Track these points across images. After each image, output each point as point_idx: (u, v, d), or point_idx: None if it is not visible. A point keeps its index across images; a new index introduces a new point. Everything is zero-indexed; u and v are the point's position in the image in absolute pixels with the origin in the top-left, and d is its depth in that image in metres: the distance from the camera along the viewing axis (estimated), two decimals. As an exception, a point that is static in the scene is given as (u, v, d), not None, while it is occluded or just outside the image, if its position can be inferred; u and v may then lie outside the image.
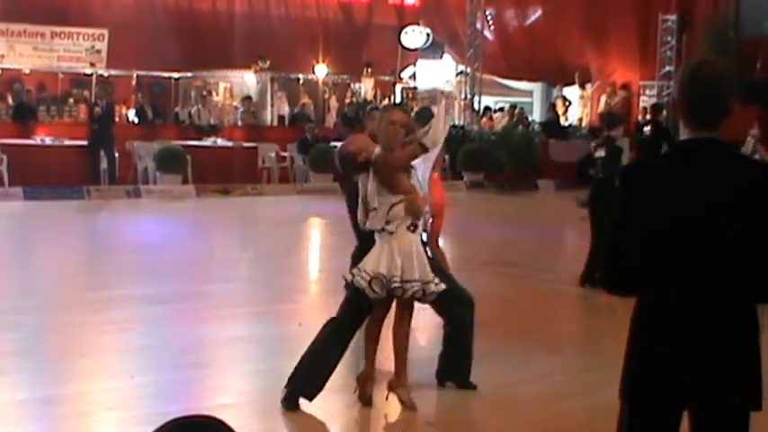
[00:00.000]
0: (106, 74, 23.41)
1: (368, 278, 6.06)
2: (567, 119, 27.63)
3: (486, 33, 28.08)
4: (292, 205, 19.38)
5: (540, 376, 7.34)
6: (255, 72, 24.75)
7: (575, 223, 12.22)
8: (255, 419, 6.25)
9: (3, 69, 22.87)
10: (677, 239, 3.24)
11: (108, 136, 19.71)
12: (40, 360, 7.51)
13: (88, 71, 23.42)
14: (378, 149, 6.14)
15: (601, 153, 10.75)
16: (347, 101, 25.81)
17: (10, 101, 21.95)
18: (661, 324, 3.27)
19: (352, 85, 26.41)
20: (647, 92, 26.79)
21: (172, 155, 19.96)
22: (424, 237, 6.46)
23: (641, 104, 26.34)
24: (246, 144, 22.19)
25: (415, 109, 12.78)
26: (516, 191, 22.70)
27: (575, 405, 6.65)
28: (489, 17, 28.66)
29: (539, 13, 28.61)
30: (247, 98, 24.32)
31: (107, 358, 7.67)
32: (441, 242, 8.54)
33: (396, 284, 6.04)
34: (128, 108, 23.42)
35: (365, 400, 6.36)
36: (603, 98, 27.55)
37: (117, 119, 21.33)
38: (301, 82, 25.85)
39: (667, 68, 25.67)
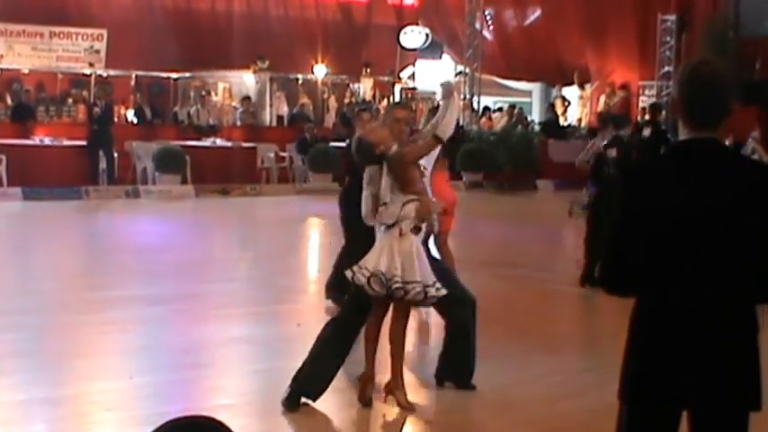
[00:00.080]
0: (105, 74, 23.41)
1: (368, 275, 6.06)
2: (566, 119, 27.63)
3: (486, 33, 28.08)
4: (291, 205, 19.36)
5: (540, 376, 7.33)
6: (254, 72, 24.73)
7: (574, 223, 12.22)
8: (254, 420, 6.25)
9: (1, 69, 22.86)
10: (677, 239, 3.23)
11: (107, 136, 19.70)
12: (39, 361, 7.50)
13: (87, 71, 23.41)
14: (395, 146, 6.14)
15: (613, 153, 10.76)
16: (346, 101, 25.79)
17: (9, 101, 21.93)
18: (661, 324, 3.26)
19: (351, 86, 26.39)
20: (647, 92, 26.79)
21: (171, 155, 19.95)
22: (431, 238, 6.47)
23: (640, 104, 26.33)
24: (245, 144, 22.17)
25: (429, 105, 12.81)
26: (515, 191, 22.69)
27: (575, 405, 6.65)
28: (488, 17, 28.66)
29: (538, 13, 28.60)
30: (246, 98, 24.31)
31: (106, 359, 7.66)
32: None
33: (397, 285, 6.03)
34: (126, 108, 23.41)
35: (365, 401, 6.35)
36: (603, 98, 27.55)
37: (116, 119, 21.32)
38: (300, 82, 25.84)
39: (666, 68, 25.66)
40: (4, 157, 18.80)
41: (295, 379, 6.28)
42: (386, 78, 26.98)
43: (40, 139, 20.15)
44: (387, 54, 27.04)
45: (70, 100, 22.70)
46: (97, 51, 23.77)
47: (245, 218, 18.15)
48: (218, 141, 21.98)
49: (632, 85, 27.48)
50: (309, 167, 21.46)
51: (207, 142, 21.74)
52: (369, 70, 26.47)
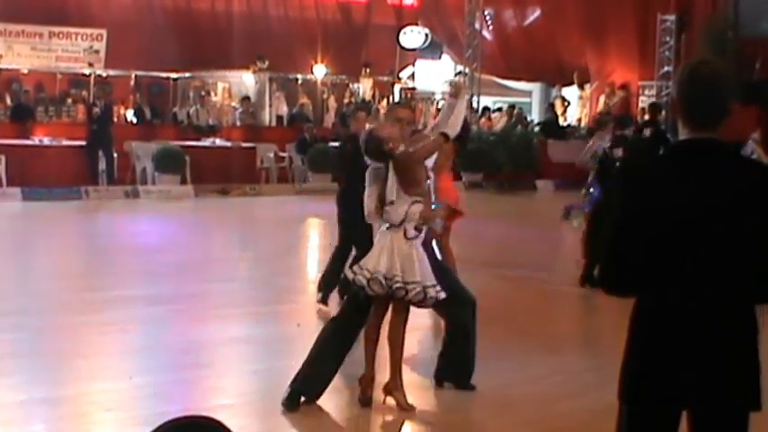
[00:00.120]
0: (104, 74, 23.39)
1: (368, 276, 6.06)
2: (565, 119, 27.63)
3: (485, 33, 28.07)
4: (291, 205, 19.37)
5: (540, 376, 7.33)
6: (254, 72, 24.72)
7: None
8: (254, 420, 6.26)
9: (1, 69, 22.84)
10: (677, 239, 3.23)
11: (106, 136, 19.69)
12: (39, 361, 7.50)
13: (86, 71, 23.39)
14: (403, 146, 6.13)
15: (618, 152, 10.77)
16: (346, 101, 25.77)
17: (8, 101, 21.93)
18: (661, 324, 3.26)
19: (350, 86, 26.39)
20: (646, 92, 26.79)
21: (170, 155, 19.96)
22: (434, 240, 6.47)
23: (640, 105, 26.33)
24: (245, 144, 22.18)
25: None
26: (515, 191, 22.69)
27: (575, 405, 6.65)
28: (488, 17, 28.65)
29: (537, 13, 28.60)
30: (246, 98, 24.31)
31: (106, 359, 7.66)
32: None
33: (398, 285, 6.03)
34: (126, 108, 23.40)
35: (365, 401, 6.35)
36: (602, 98, 27.55)
37: (115, 119, 21.31)
38: (300, 82, 25.83)
39: (666, 68, 25.66)
40: (3, 158, 18.80)
41: (295, 379, 6.28)
42: (385, 78, 26.98)
43: (40, 139, 20.15)
44: (386, 54, 27.04)
45: (69, 100, 22.68)
46: (96, 51, 23.76)
47: (244, 218, 18.15)
48: (218, 141, 21.98)
49: (632, 86, 27.48)
50: (309, 167, 21.46)
51: (206, 142, 21.74)
52: (368, 70, 26.46)
